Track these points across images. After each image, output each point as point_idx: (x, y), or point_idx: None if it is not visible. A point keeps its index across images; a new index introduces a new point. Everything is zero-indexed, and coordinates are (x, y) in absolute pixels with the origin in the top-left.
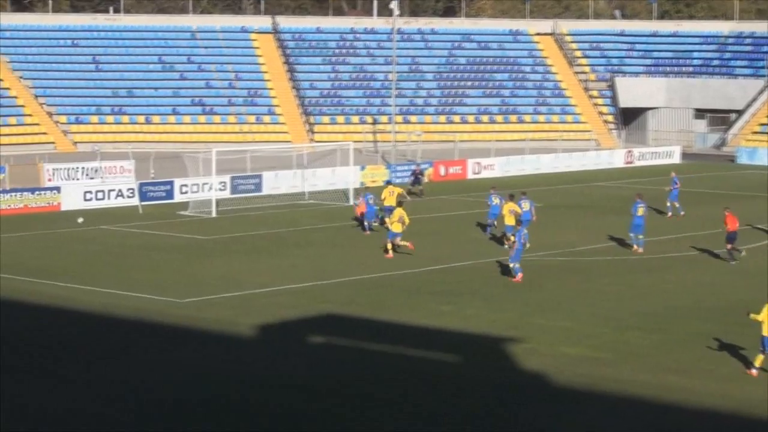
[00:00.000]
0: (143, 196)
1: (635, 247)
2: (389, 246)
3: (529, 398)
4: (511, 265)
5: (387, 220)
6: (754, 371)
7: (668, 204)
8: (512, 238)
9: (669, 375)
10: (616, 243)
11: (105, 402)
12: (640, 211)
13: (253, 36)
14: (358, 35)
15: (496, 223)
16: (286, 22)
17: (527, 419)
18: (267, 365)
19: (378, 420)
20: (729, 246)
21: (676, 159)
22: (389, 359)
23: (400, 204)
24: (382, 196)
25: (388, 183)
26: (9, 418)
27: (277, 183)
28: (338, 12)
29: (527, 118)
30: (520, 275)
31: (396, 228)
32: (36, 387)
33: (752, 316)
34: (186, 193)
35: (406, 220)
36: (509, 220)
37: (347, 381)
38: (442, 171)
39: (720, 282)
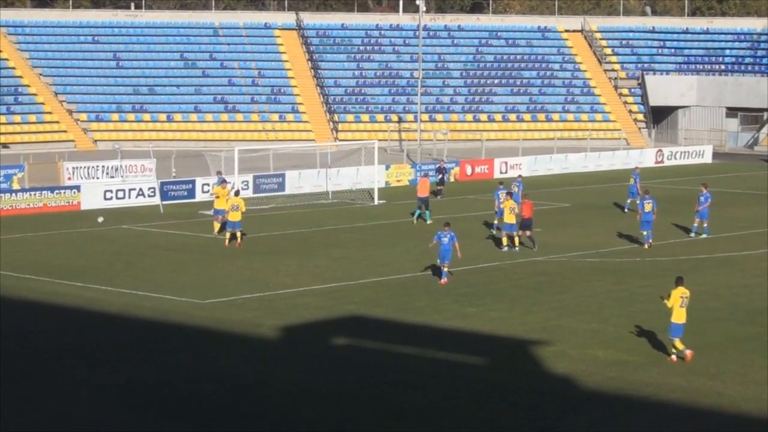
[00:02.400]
0: (164, 196)
1: (645, 244)
2: (228, 235)
3: (558, 401)
4: (441, 265)
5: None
6: (689, 354)
7: (628, 201)
8: (515, 238)
9: (701, 378)
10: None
11: (124, 404)
12: (647, 207)
13: (276, 32)
14: (383, 32)
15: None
16: (311, 18)
17: (557, 423)
18: (290, 367)
19: (403, 424)
20: (521, 232)
21: (708, 158)
22: (415, 362)
23: (237, 193)
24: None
25: (223, 181)
26: (30, 420)
27: (300, 182)
28: (363, 8)
29: (555, 116)
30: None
31: (234, 217)
32: (55, 389)
33: (665, 301)
34: (208, 192)
35: (243, 209)
36: (509, 218)
37: (372, 384)
38: (469, 170)
39: (753, 284)
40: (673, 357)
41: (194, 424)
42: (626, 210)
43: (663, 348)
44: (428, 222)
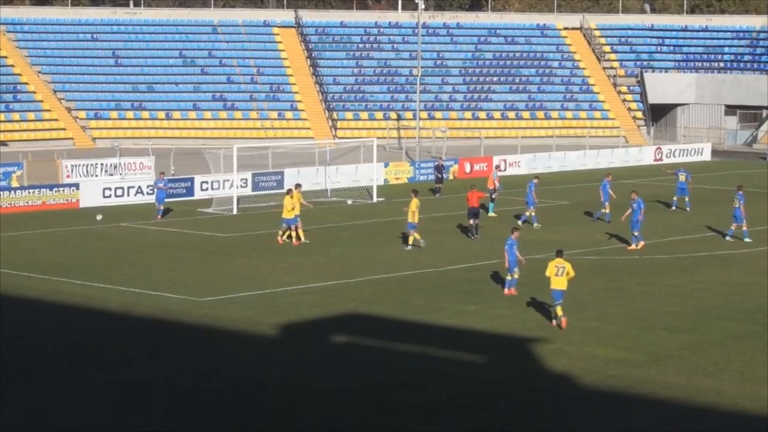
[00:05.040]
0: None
1: (634, 245)
2: (281, 233)
3: (557, 399)
4: (512, 273)
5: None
6: (563, 321)
7: (687, 199)
8: (418, 236)
9: (700, 376)
10: (645, 241)
11: (123, 402)
12: (633, 206)
13: (275, 30)
14: (382, 29)
15: (530, 214)
16: (309, 15)
17: (556, 421)
18: (289, 365)
19: (402, 422)
20: (470, 221)
21: (707, 156)
22: (414, 360)
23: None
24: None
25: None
26: (29, 419)
27: (299, 180)
28: (362, 6)
29: (554, 114)
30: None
31: (288, 214)
32: (53, 388)
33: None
34: (207, 190)
35: (286, 205)
36: (413, 218)
37: (371, 382)
38: (468, 168)
39: (751, 282)
40: (554, 322)
41: (193, 422)
42: (674, 207)
43: (662, 346)
44: (490, 214)
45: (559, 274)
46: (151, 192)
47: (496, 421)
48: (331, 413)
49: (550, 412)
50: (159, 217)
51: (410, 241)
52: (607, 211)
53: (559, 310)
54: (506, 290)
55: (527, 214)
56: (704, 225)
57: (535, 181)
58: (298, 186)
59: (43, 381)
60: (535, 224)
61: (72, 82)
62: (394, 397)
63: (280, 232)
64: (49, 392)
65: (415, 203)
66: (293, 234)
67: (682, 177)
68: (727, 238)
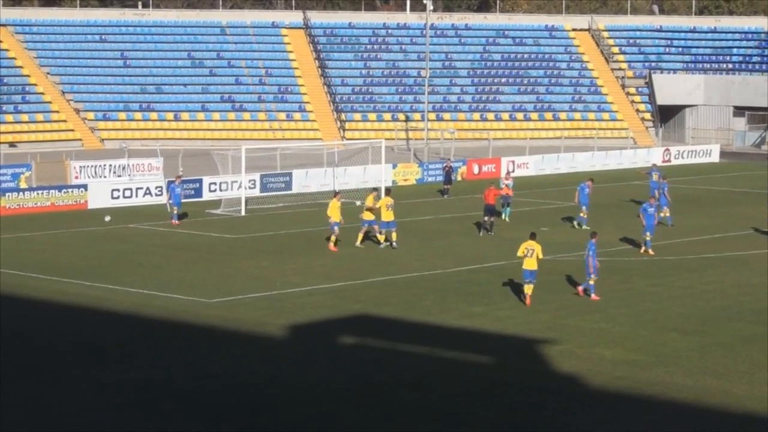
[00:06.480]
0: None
1: (646, 249)
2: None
3: (565, 401)
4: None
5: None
6: (527, 299)
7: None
8: (388, 234)
9: (708, 378)
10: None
11: (131, 403)
12: (650, 210)
13: (283, 31)
14: (390, 31)
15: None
16: (318, 17)
17: (564, 422)
18: (297, 367)
19: (410, 423)
20: (486, 218)
21: (715, 158)
22: (421, 361)
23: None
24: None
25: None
26: (34, 419)
27: (307, 181)
28: (370, 7)
29: (563, 115)
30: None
31: (387, 216)
32: (61, 389)
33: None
34: (215, 191)
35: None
36: (387, 215)
37: (378, 383)
38: (476, 169)
39: (760, 283)
40: (528, 301)
41: (201, 422)
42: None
43: (671, 347)
44: (506, 220)
45: (528, 255)
46: (159, 193)
47: (503, 421)
48: (336, 413)
49: (557, 413)
50: (174, 221)
51: (381, 239)
52: (667, 214)
53: (527, 289)
54: (593, 296)
55: (582, 215)
56: (714, 227)
57: (589, 183)
58: (376, 189)
59: (49, 381)
60: (584, 225)
61: (80, 84)
62: (400, 396)
63: (372, 237)
64: (53, 392)
65: (386, 201)
66: (355, 236)
67: (655, 176)
68: None
